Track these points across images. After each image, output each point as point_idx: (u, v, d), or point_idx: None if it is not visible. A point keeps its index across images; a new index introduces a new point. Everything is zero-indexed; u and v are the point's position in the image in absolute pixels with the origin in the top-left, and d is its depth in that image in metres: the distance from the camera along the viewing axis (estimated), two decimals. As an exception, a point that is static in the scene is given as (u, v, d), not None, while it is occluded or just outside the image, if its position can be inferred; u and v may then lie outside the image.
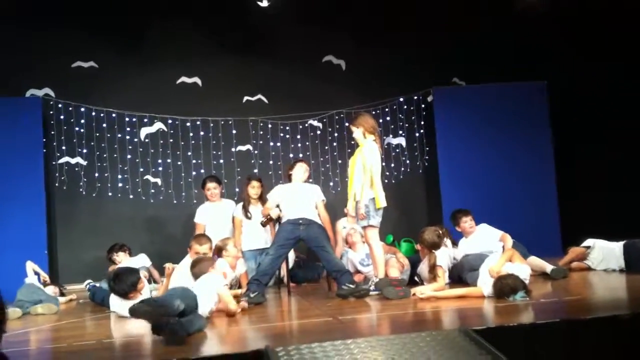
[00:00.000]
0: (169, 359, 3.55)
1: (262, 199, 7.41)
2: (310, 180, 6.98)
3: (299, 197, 6.27)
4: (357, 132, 5.97)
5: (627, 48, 7.69)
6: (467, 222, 6.88)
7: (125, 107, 8.36)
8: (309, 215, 6.15)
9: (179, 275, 5.80)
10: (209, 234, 7.34)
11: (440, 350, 3.63)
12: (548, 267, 6.39)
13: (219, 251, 6.51)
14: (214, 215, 7.50)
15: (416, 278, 6.54)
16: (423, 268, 6.35)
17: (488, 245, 6.61)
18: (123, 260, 7.16)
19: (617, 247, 6.58)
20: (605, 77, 8.00)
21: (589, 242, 6.87)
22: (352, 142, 6.27)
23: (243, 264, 6.76)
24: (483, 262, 5.62)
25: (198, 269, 5.32)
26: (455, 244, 6.90)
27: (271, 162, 8.76)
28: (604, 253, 6.67)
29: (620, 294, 5.51)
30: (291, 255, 7.17)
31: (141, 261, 7.25)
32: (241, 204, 7.43)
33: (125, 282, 5.39)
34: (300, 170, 6.52)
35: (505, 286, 4.99)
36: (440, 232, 6.29)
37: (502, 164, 8.62)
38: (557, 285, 5.98)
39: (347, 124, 6.47)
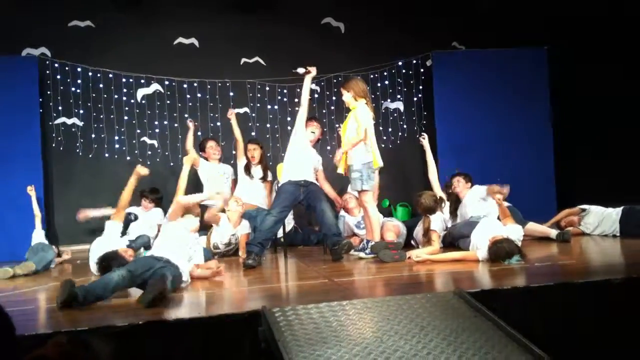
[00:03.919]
0: (157, 319, 3.58)
1: (262, 161, 7.50)
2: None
3: (303, 158, 6.29)
4: (347, 96, 6.01)
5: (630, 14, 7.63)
6: (455, 181, 6.93)
7: (122, 67, 8.27)
8: (310, 177, 6.24)
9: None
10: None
11: (435, 312, 3.68)
12: (552, 232, 6.46)
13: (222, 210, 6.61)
14: (213, 175, 7.55)
15: (412, 242, 6.60)
16: (419, 231, 6.39)
17: (477, 206, 6.63)
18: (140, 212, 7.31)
19: (615, 212, 6.64)
20: (606, 44, 7.95)
21: (583, 206, 6.92)
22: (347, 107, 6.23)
23: (247, 226, 6.78)
24: (472, 228, 5.66)
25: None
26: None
27: (268, 125, 8.72)
28: (600, 218, 6.72)
29: (615, 258, 5.58)
30: (288, 218, 7.22)
31: (156, 217, 7.35)
32: (243, 162, 7.52)
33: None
34: (311, 133, 6.62)
35: (501, 250, 5.04)
36: (437, 196, 6.33)
37: (499, 130, 8.58)
38: (552, 249, 6.05)
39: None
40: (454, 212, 6.83)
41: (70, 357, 1.73)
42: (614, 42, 7.99)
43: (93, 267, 5.48)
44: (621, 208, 6.64)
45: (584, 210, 6.89)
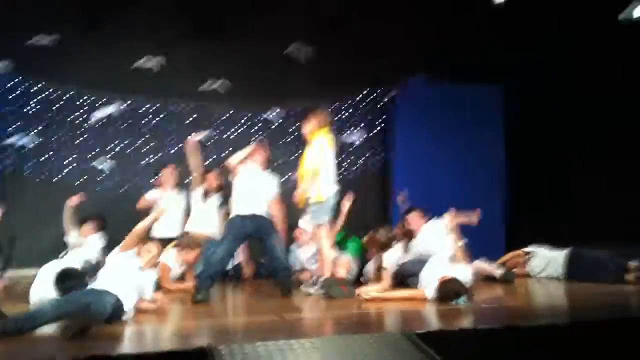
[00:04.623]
0: (101, 354, 3.50)
1: (220, 189, 7.43)
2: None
3: (253, 190, 6.14)
4: (309, 126, 6.01)
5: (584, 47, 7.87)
6: (410, 217, 6.79)
7: (81, 86, 8.13)
8: (260, 210, 6.08)
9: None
10: (160, 222, 7.31)
11: (383, 353, 3.69)
12: (497, 272, 6.55)
13: (183, 247, 6.50)
14: (167, 203, 7.44)
15: (361, 278, 6.61)
16: (370, 268, 6.42)
17: (432, 242, 6.52)
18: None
19: (561, 255, 6.75)
20: (560, 80, 8.17)
21: (531, 247, 7.06)
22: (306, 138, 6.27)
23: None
24: (422, 266, 5.69)
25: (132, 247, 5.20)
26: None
27: (227, 152, 8.67)
28: (546, 261, 6.84)
29: (561, 301, 5.69)
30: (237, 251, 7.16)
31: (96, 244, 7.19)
32: (200, 187, 7.43)
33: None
34: (260, 158, 6.35)
35: (449, 290, 5.10)
36: (391, 233, 6.38)
37: (454, 165, 8.74)
38: (499, 290, 6.14)
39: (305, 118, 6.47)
40: (406, 248, 6.89)
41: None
42: (566, 79, 8.19)
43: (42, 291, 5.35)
44: (567, 250, 6.75)
45: (529, 252, 7.02)
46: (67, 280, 4.86)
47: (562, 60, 8.15)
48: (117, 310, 4.42)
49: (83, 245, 7.08)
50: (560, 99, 8.28)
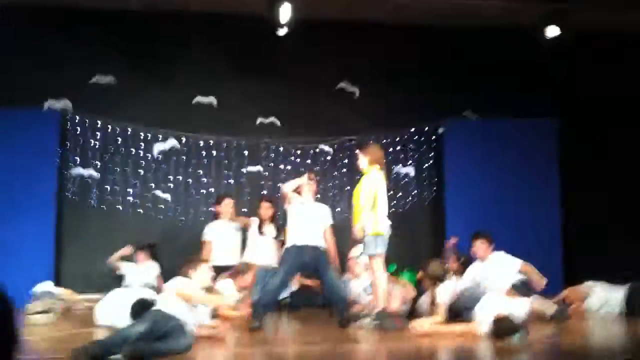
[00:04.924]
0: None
1: (273, 219, 7.59)
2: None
3: (308, 220, 6.25)
4: (363, 160, 6.10)
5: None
6: (476, 245, 6.72)
7: (140, 122, 8.48)
8: (316, 240, 6.19)
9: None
10: (216, 252, 7.51)
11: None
12: (548, 310, 6.36)
13: (237, 273, 6.66)
14: (224, 233, 7.68)
15: (416, 311, 6.58)
16: (424, 300, 6.40)
17: (495, 274, 6.48)
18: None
19: (621, 290, 6.59)
20: (616, 117, 8.08)
21: (589, 284, 6.89)
22: (359, 171, 6.36)
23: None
24: (478, 300, 5.63)
25: (182, 270, 5.28)
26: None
27: (280, 184, 8.82)
28: (606, 296, 6.67)
29: (619, 339, 5.54)
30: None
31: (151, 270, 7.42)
32: (257, 219, 7.61)
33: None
34: (311, 188, 6.49)
35: (503, 327, 5.02)
36: (445, 265, 6.36)
37: (508, 200, 8.66)
38: (555, 327, 5.99)
39: (356, 151, 6.57)
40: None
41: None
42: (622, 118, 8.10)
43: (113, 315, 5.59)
44: (628, 285, 6.59)
45: (589, 287, 6.85)
46: (143, 310, 5.06)
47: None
48: (187, 341, 4.59)
49: (142, 271, 7.32)
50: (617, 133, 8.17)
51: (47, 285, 6.90)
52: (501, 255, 6.74)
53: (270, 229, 7.58)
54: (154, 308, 4.82)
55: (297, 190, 6.36)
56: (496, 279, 6.46)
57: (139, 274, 7.30)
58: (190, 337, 4.66)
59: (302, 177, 6.43)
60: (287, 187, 6.35)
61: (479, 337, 5.22)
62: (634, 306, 6.37)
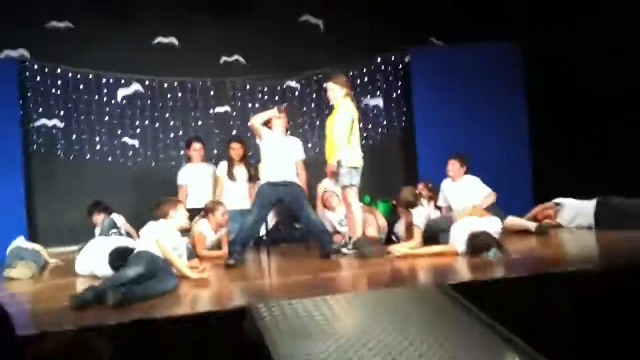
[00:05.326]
0: (146, 318, 3.64)
1: (244, 159, 7.52)
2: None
3: (280, 156, 6.18)
4: (338, 91, 6.03)
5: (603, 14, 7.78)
6: (450, 163, 7.21)
7: (101, 67, 8.26)
8: (289, 176, 6.16)
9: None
10: (191, 195, 7.46)
11: (417, 304, 3.78)
12: (531, 225, 6.61)
13: (207, 212, 6.62)
14: (197, 176, 7.60)
15: (393, 237, 6.70)
16: (400, 227, 6.50)
17: (467, 196, 6.93)
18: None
19: (589, 204, 6.77)
20: (580, 42, 8.08)
21: (558, 200, 7.07)
22: (330, 103, 6.29)
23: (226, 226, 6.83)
24: (451, 222, 5.77)
25: (159, 210, 5.12)
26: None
27: (249, 123, 8.74)
28: (575, 211, 6.86)
29: (591, 249, 5.73)
30: (270, 216, 7.28)
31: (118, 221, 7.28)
32: (225, 163, 7.51)
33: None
34: (282, 122, 6.31)
35: (480, 243, 5.15)
36: (417, 191, 6.45)
37: (477, 125, 8.69)
38: (531, 242, 6.17)
39: (324, 85, 6.50)
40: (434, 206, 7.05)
41: (69, 352, 1.80)
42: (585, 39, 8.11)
43: (92, 265, 5.56)
44: (595, 200, 6.76)
45: (558, 204, 7.04)
46: (121, 256, 5.11)
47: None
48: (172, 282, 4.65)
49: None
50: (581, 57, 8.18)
51: (20, 241, 6.78)
52: (473, 179, 7.11)
53: (241, 170, 7.50)
54: (142, 249, 4.79)
55: (268, 125, 6.27)
56: (465, 201, 6.85)
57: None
58: (175, 276, 4.69)
59: (271, 110, 6.34)
60: (256, 120, 6.24)
61: (457, 255, 5.33)
62: (603, 218, 6.55)
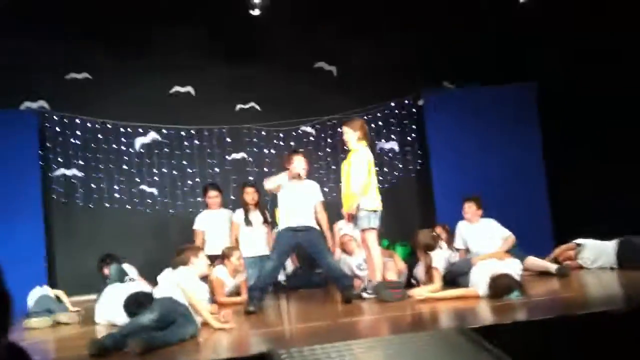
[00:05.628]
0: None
1: (259, 204, 7.53)
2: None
3: (297, 201, 6.16)
4: (352, 135, 6.06)
5: (620, 48, 7.81)
6: (466, 206, 7.09)
7: (119, 117, 8.41)
8: (308, 221, 6.13)
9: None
10: (208, 241, 7.47)
11: (439, 349, 3.72)
12: (552, 267, 6.52)
13: (223, 258, 6.62)
14: (214, 223, 7.61)
15: (413, 281, 6.64)
16: (419, 270, 6.44)
17: (486, 239, 6.81)
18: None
19: (611, 245, 6.68)
20: (596, 78, 8.09)
21: (579, 240, 6.99)
22: (345, 147, 6.33)
23: (245, 272, 6.81)
24: (471, 265, 5.72)
25: (180, 257, 5.10)
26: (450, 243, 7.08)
27: (266, 169, 8.81)
28: (597, 252, 6.76)
29: (614, 290, 5.63)
30: (288, 261, 7.26)
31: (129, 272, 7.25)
32: (241, 210, 7.51)
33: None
34: (300, 164, 6.23)
35: (500, 286, 5.09)
36: (435, 233, 6.42)
37: (493, 166, 8.68)
38: (551, 283, 6.09)
39: (340, 129, 6.56)
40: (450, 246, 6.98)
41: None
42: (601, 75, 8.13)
43: (109, 314, 5.56)
44: (617, 240, 6.67)
45: (579, 245, 6.95)
46: (137, 303, 5.13)
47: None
48: (193, 328, 4.64)
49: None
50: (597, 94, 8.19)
51: (45, 290, 6.79)
52: (491, 222, 7.03)
53: (257, 215, 7.51)
54: (164, 296, 4.78)
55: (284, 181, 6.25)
56: (484, 244, 6.75)
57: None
58: (195, 323, 4.66)
59: (282, 174, 6.32)
60: (268, 185, 6.30)
61: (478, 298, 5.26)
62: (625, 258, 6.45)
